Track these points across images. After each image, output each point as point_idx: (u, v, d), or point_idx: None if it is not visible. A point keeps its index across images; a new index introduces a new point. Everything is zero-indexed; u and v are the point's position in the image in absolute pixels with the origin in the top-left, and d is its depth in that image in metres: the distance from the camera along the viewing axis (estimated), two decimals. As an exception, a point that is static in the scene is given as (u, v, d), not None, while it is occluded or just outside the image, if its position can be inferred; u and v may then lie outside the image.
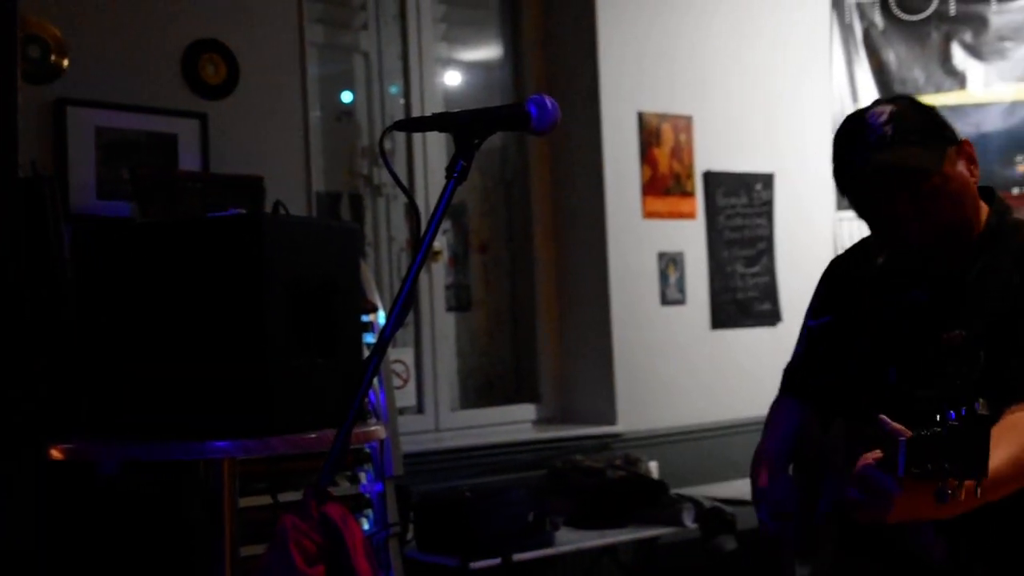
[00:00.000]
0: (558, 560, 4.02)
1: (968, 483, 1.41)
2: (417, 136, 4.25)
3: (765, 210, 5.02)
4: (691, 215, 4.81)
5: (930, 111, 1.90)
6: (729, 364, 4.86)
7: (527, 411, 4.60)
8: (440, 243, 4.38)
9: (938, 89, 5.45)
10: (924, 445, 1.42)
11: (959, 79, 5.44)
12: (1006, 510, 1.71)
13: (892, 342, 1.96)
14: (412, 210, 1.74)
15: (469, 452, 4.18)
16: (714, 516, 3.91)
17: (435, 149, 4.35)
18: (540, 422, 4.59)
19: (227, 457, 2.17)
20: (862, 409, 1.93)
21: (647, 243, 4.66)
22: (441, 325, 4.37)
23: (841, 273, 2.15)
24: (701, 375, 4.77)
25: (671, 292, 4.71)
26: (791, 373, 2.27)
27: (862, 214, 1.95)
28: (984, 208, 1.93)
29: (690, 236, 4.80)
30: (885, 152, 1.82)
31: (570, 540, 3.69)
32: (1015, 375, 1.76)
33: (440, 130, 1.81)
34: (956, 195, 1.85)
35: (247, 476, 2.63)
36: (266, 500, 2.63)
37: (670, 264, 4.72)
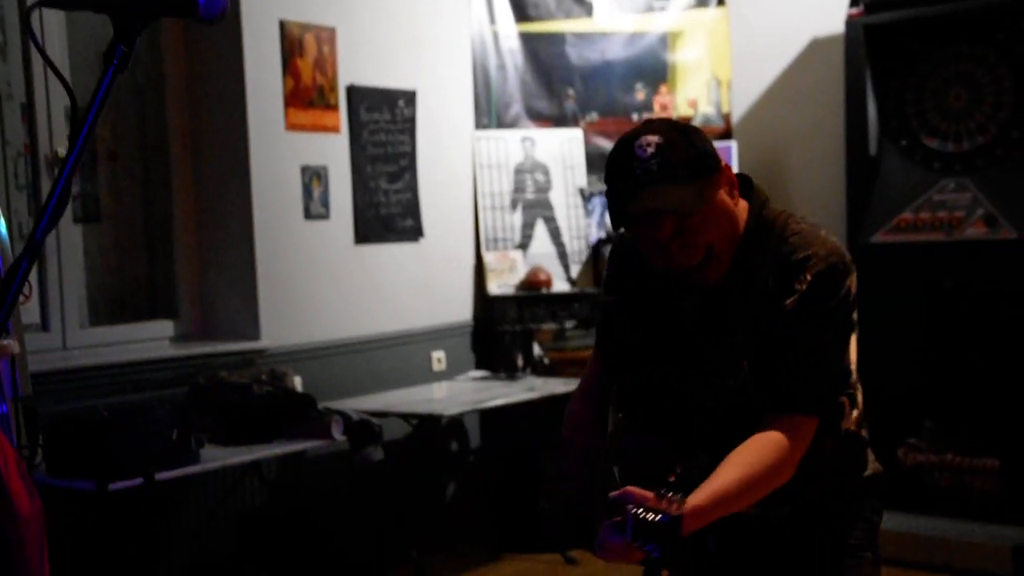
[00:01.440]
0: (203, 478, 3.92)
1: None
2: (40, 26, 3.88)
3: (408, 127, 5.05)
4: (335, 129, 4.75)
5: (694, 140, 1.89)
6: (373, 279, 4.88)
7: (164, 327, 4.39)
8: (64, 149, 4.05)
9: (567, 16, 5.69)
10: (644, 525, 1.61)
11: (586, 8, 5.72)
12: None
13: (669, 349, 1.99)
14: (72, 101, 1.57)
15: (102, 371, 3.94)
16: (362, 428, 3.95)
17: (55, 43, 3.99)
18: (179, 339, 4.40)
19: None
20: (643, 400, 2.01)
21: (290, 156, 4.56)
22: (67, 237, 4.06)
23: (625, 254, 2.09)
24: (345, 290, 4.77)
25: (315, 206, 4.65)
26: (597, 332, 2.25)
27: (631, 235, 1.95)
28: (743, 205, 1.95)
29: (334, 150, 4.75)
30: (648, 189, 1.82)
31: (216, 457, 3.59)
32: (773, 384, 1.85)
33: (96, 10, 1.64)
34: (717, 220, 1.88)
35: None
36: None
37: (314, 178, 4.65)
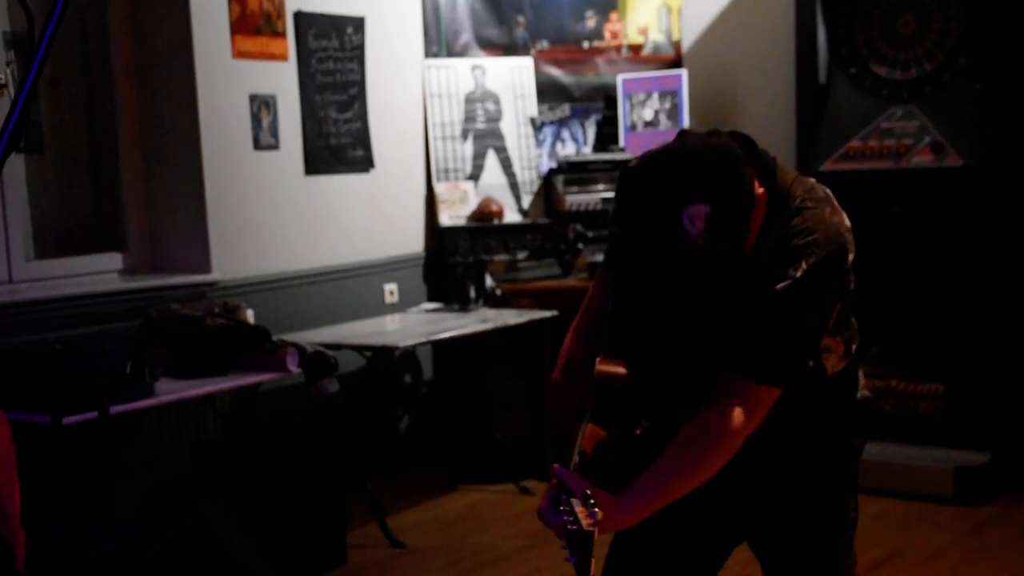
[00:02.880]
0: (158, 411, 3.88)
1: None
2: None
3: (357, 55, 4.97)
4: (283, 57, 4.66)
5: (741, 201, 1.76)
6: (324, 211, 4.83)
7: (113, 260, 4.31)
8: (4, 75, 3.94)
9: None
10: (567, 532, 1.62)
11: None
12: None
13: (663, 296, 1.92)
14: (29, 20, 1.50)
15: (50, 304, 3.87)
16: (317, 360, 3.92)
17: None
18: (127, 272, 4.33)
19: None
20: (630, 343, 1.99)
21: (238, 84, 4.47)
22: (10, 167, 3.95)
23: (632, 189, 1.95)
24: (296, 222, 4.71)
25: (264, 136, 4.57)
26: (602, 265, 2.20)
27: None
28: (759, 190, 1.84)
29: (282, 79, 4.66)
30: (696, 251, 1.75)
31: (170, 390, 3.55)
32: (743, 350, 1.82)
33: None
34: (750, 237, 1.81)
35: None
36: None
37: (262, 107, 4.57)
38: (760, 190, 1.84)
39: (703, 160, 1.77)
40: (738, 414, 1.80)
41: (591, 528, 1.59)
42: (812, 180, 1.93)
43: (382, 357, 4.81)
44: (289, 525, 3.93)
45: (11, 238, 3.94)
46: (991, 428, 4.67)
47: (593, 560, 1.57)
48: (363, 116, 4.99)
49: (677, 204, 1.74)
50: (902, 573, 3.86)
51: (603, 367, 1.98)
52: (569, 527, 1.59)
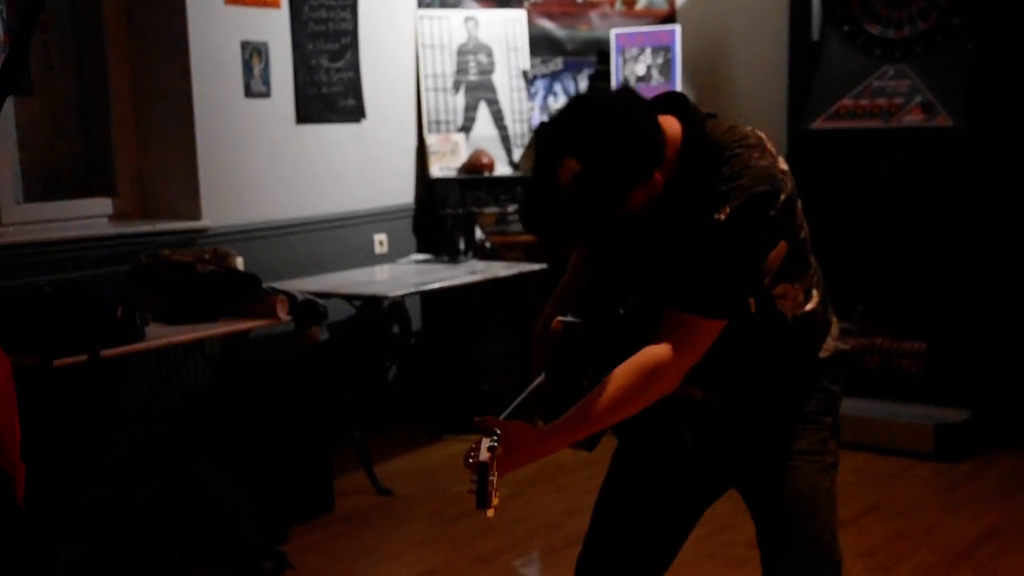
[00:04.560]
0: (147, 356, 3.90)
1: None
2: None
3: (349, 3, 4.93)
4: (275, 4, 4.62)
5: (610, 157, 1.79)
6: (314, 160, 4.82)
7: (103, 205, 4.30)
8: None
9: None
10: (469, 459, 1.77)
11: None
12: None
13: (612, 252, 2.04)
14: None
15: (40, 247, 3.87)
16: (307, 308, 3.94)
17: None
18: (117, 217, 4.33)
19: None
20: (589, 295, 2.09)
21: (230, 31, 4.45)
22: (-2, 111, 3.93)
23: None
24: (286, 170, 4.71)
25: (255, 84, 4.55)
26: None
27: None
28: (675, 127, 1.90)
29: (274, 26, 4.63)
30: (572, 206, 1.81)
31: (161, 335, 3.56)
32: (678, 287, 1.88)
33: None
34: (637, 198, 1.85)
35: None
36: None
37: (254, 54, 4.54)
38: (672, 123, 1.89)
39: (576, 116, 1.84)
40: (675, 345, 1.86)
41: (487, 460, 1.73)
42: (747, 128, 1.96)
43: (371, 306, 4.83)
44: (277, 472, 3.96)
45: (0, 181, 3.93)
46: (971, 386, 4.73)
47: (493, 492, 1.73)
48: (355, 66, 4.97)
49: (552, 158, 1.80)
50: (880, 526, 3.92)
51: (554, 324, 2.06)
52: (470, 459, 1.75)
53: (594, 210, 1.81)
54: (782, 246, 1.93)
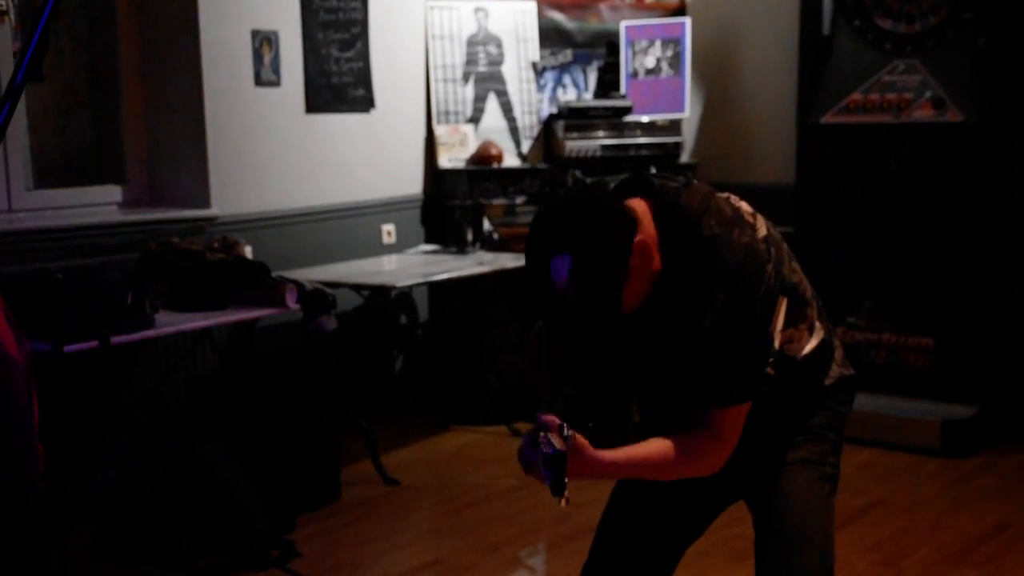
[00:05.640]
0: (155, 343, 3.91)
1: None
2: None
3: (360, -7, 4.94)
4: (286, -8, 4.64)
5: (604, 250, 1.80)
6: (324, 150, 4.83)
7: (112, 192, 4.32)
8: (4, 2, 3.92)
9: None
10: (542, 454, 1.81)
11: None
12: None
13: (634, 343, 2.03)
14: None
15: (50, 234, 3.89)
16: (315, 297, 3.94)
17: None
18: (127, 204, 4.34)
19: None
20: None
21: (240, 19, 4.45)
22: (10, 97, 3.94)
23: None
24: (296, 160, 4.71)
25: (266, 73, 4.56)
26: None
27: None
28: (644, 210, 1.89)
29: (285, 15, 4.64)
30: (571, 307, 1.83)
31: (171, 322, 3.57)
32: (699, 385, 1.93)
33: None
34: (635, 285, 1.86)
35: None
36: None
37: (264, 43, 4.55)
38: (651, 232, 1.88)
39: (561, 213, 1.85)
40: (717, 435, 1.94)
41: (563, 450, 1.78)
42: (721, 197, 1.96)
43: (379, 296, 4.84)
44: (284, 461, 3.97)
45: (11, 167, 3.94)
46: (978, 382, 4.73)
47: (568, 482, 1.77)
48: (365, 55, 4.98)
49: (542, 257, 1.82)
50: (885, 521, 3.92)
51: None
52: (545, 451, 1.79)
53: (596, 299, 1.82)
54: (782, 302, 1.97)
